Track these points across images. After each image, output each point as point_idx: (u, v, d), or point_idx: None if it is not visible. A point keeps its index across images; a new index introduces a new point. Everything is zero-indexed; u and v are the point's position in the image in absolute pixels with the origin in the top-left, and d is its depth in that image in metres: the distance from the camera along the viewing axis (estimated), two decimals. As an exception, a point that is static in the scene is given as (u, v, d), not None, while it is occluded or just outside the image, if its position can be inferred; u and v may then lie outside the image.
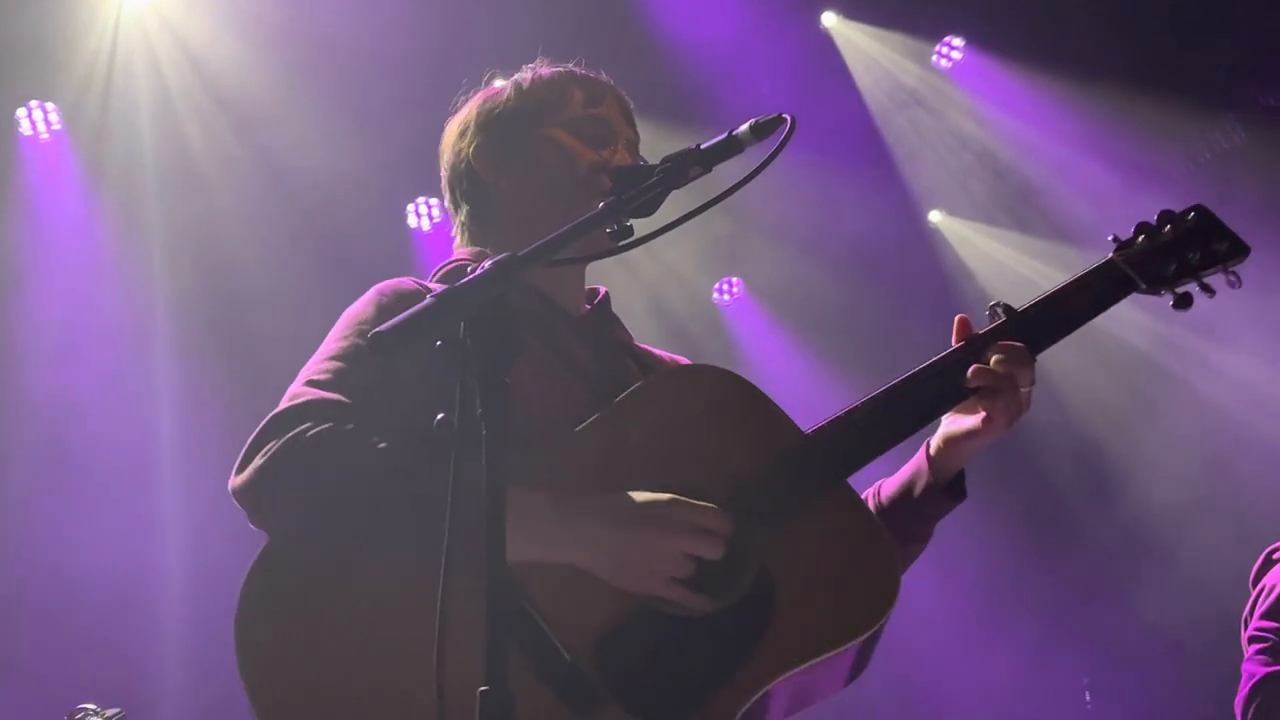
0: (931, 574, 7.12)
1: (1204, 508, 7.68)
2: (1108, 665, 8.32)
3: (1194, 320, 5.78)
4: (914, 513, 2.47)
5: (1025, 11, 7.56)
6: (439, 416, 1.68)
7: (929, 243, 8.78)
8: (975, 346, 2.40)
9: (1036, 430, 8.24)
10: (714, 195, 2.00)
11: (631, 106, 2.63)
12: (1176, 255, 2.47)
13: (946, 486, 2.45)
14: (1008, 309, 2.43)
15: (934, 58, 8.05)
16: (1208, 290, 2.48)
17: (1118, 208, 7.78)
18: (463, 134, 2.61)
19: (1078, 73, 7.61)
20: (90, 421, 6.77)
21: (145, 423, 7.00)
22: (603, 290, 2.65)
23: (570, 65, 2.64)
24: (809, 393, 8.30)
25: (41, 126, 6.89)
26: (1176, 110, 7.65)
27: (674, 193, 2.10)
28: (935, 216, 8.76)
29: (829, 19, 7.81)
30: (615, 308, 2.66)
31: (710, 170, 2.08)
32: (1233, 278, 2.48)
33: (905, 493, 2.48)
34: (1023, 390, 2.35)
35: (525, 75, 2.61)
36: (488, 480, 1.63)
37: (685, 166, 2.06)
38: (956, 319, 2.45)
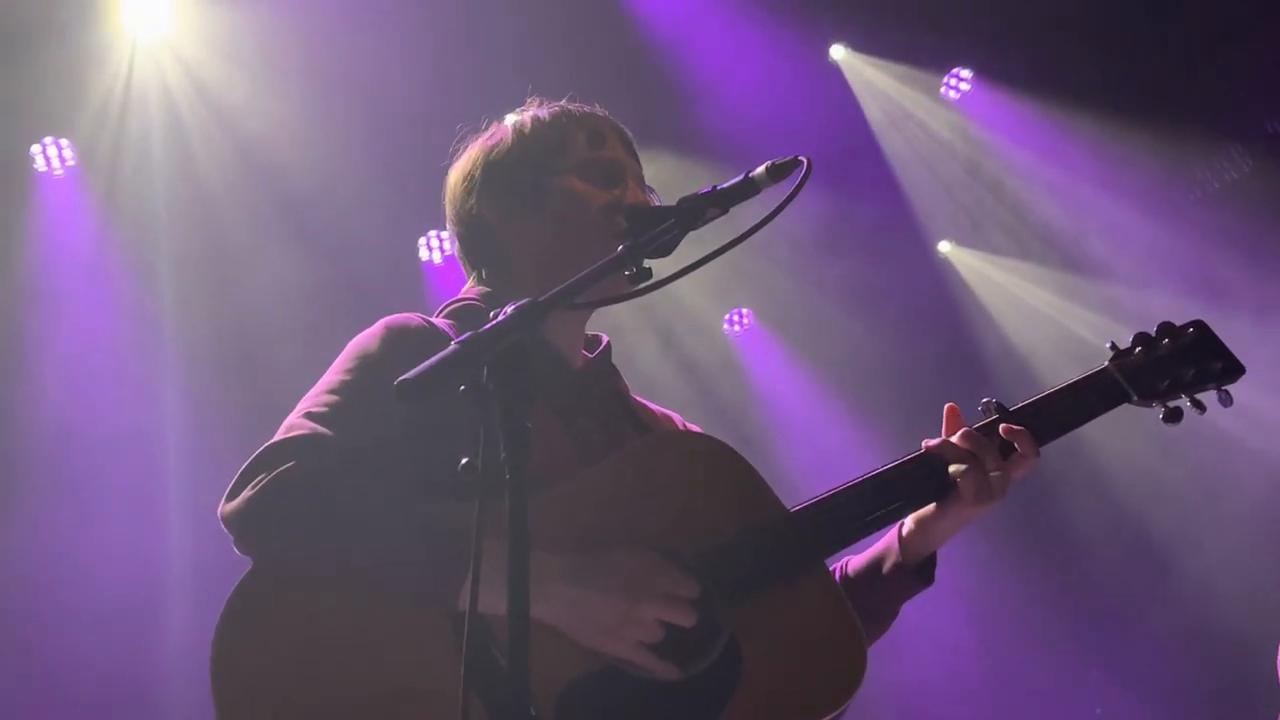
0: (946, 605, 7.14)
1: (1211, 529, 7.64)
2: (1122, 694, 8.28)
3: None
4: (878, 591, 2.45)
5: (1032, 43, 7.59)
6: (463, 461, 1.69)
7: (938, 273, 8.79)
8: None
9: (1046, 464, 8.19)
10: (730, 233, 2.01)
11: (630, 137, 2.63)
12: (1171, 371, 2.44)
13: (916, 569, 2.43)
14: (999, 406, 2.41)
15: (942, 89, 8.09)
16: (1199, 407, 2.45)
17: (1126, 237, 7.79)
18: (469, 186, 2.59)
19: (1085, 103, 7.64)
20: (100, 449, 6.80)
21: (154, 450, 7.02)
22: (605, 339, 2.63)
23: (564, 102, 2.63)
24: (821, 423, 8.31)
25: (56, 163, 6.91)
26: (1183, 139, 7.67)
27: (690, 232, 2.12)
28: (945, 247, 8.78)
29: (838, 52, 7.85)
30: (628, 340, 2.66)
31: (727, 212, 2.10)
32: (1224, 396, 2.44)
33: (872, 570, 2.47)
34: (992, 474, 2.32)
35: (524, 118, 2.60)
36: (511, 524, 1.64)
37: (702, 208, 2.08)
38: (946, 408, 2.44)
